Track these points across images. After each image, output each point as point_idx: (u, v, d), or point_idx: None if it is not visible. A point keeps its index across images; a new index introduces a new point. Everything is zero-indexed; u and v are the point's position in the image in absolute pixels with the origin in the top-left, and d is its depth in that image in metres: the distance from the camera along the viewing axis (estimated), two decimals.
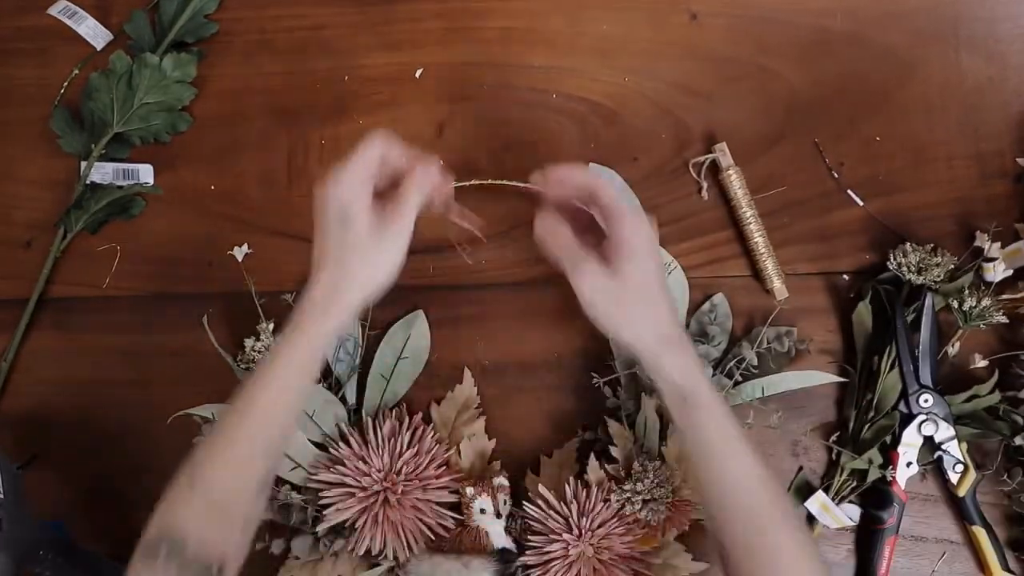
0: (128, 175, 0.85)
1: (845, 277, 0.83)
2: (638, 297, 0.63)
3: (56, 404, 0.83)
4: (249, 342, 0.79)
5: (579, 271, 0.63)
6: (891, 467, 0.78)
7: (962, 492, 0.78)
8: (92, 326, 0.84)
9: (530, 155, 0.83)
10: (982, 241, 0.80)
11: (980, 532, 0.78)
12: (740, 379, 0.78)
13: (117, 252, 0.84)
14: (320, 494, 0.77)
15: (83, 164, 0.84)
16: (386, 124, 0.84)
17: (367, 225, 0.61)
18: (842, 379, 0.80)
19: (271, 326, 0.79)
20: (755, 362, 0.78)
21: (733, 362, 0.78)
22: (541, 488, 0.78)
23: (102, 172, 0.84)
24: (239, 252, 0.79)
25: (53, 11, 0.86)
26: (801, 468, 0.81)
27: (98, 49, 0.86)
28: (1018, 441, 0.77)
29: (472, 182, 0.79)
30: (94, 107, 0.82)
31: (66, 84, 0.86)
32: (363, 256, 0.62)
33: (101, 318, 0.84)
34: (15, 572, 0.68)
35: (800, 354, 0.81)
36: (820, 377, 0.80)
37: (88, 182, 0.84)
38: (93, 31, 0.86)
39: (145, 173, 0.85)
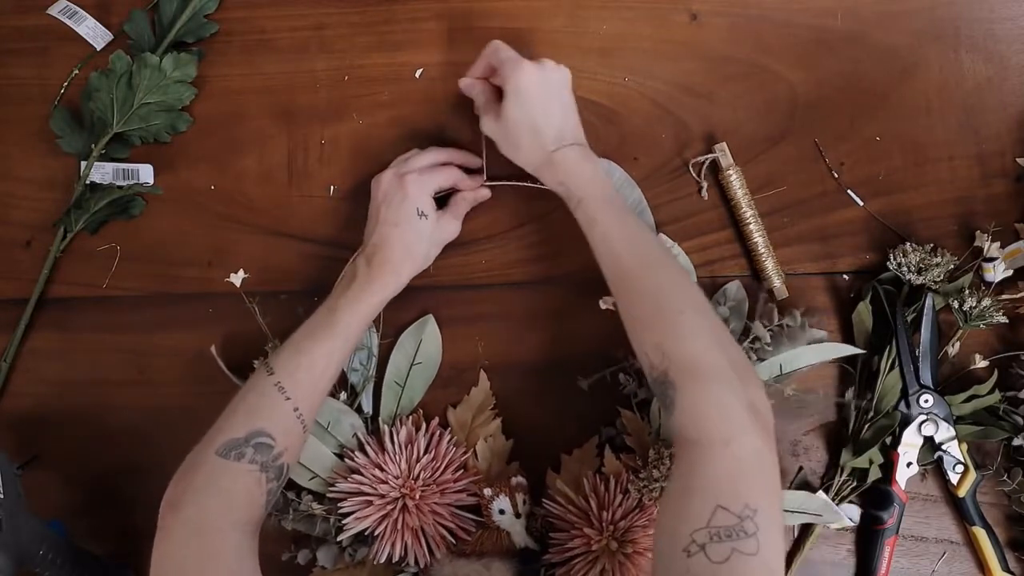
0: (128, 175, 0.85)
1: (845, 277, 0.83)
2: (519, 130, 0.75)
3: (56, 404, 0.83)
4: (258, 363, 0.79)
5: (483, 116, 0.77)
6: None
7: (962, 492, 0.78)
8: (92, 326, 0.84)
9: None
10: (982, 241, 0.80)
11: (980, 532, 0.78)
12: (757, 360, 0.78)
13: (117, 252, 0.84)
14: (339, 504, 0.77)
15: (83, 164, 0.84)
16: (386, 124, 0.85)
17: (435, 220, 0.77)
18: (860, 350, 0.79)
19: (278, 343, 0.79)
20: (768, 340, 0.78)
21: (747, 342, 0.78)
22: (559, 484, 0.77)
23: (102, 172, 0.84)
24: (236, 278, 0.79)
25: (53, 11, 0.86)
26: (801, 468, 0.81)
27: (98, 49, 0.86)
28: (1018, 441, 0.77)
29: (503, 182, 0.81)
30: (94, 107, 0.82)
31: (66, 84, 0.86)
32: (429, 242, 0.77)
33: (101, 318, 0.84)
34: (15, 572, 0.67)
35: (813, 329, 0.79)
36: (837, 349, 0.79)
37: (88, 182, 0.84)
38: (93, 31, 0.86)
39: (145, 173, 0.85)
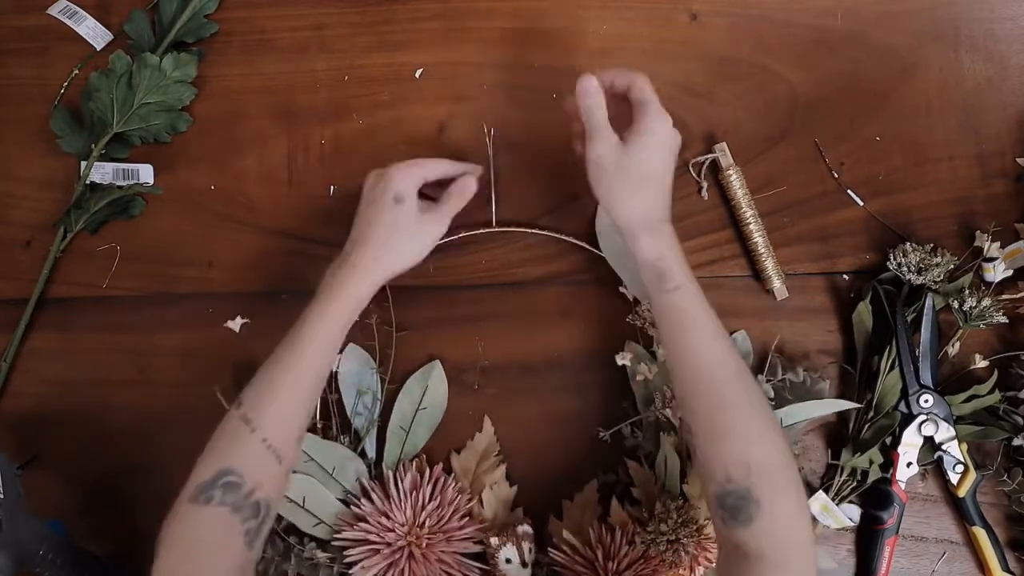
0: (128, 175, 0.85)
1: (845, 277, 0.83)
2: (639, 181, 0.68)
3: (56, 404, 0.83)
4: None
5: (598, 139, 0.69)
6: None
7: (962, 492, 0.78)
8: (92, 326, 0.84)
9: (530, 155, 0.83)
10: (982, 241, 0.80)
11: (980, 532, 0.78)
12: None
13: (117, 252, 0.84)
14: (345, 552, 0.76)
15: (83, 164, 0.84)
16: (386, 124, 0.85)
17: (414, 210, 0.72)
18: (856, 405, 0.79)
19: None
20: (771, 394, 0.78)
21: None
22: (566, 534, 0.77)
23: (102, 172, 0.84)
24: (235, 324, 0.79)
25: (53, 11, 0.86)
26: (801, 468, 0.81)
27: (98, 49, 0.86)
28: (1018, 441, 0.77)
29: (528, 230, 0.82)
30: (94, 107, 0.82)
31: (66, 84, 0.86)
32: (405, 235, 0.72)
33: (101, 318, 0.84)
34: (15, 572, 0.67)
35: (816, 383, 0.79)
36: (836, 405, 0.79)
37: (88, 182, 0.84)
38: (93, 31, 0.86)
39: (145, 173, 0.85)
